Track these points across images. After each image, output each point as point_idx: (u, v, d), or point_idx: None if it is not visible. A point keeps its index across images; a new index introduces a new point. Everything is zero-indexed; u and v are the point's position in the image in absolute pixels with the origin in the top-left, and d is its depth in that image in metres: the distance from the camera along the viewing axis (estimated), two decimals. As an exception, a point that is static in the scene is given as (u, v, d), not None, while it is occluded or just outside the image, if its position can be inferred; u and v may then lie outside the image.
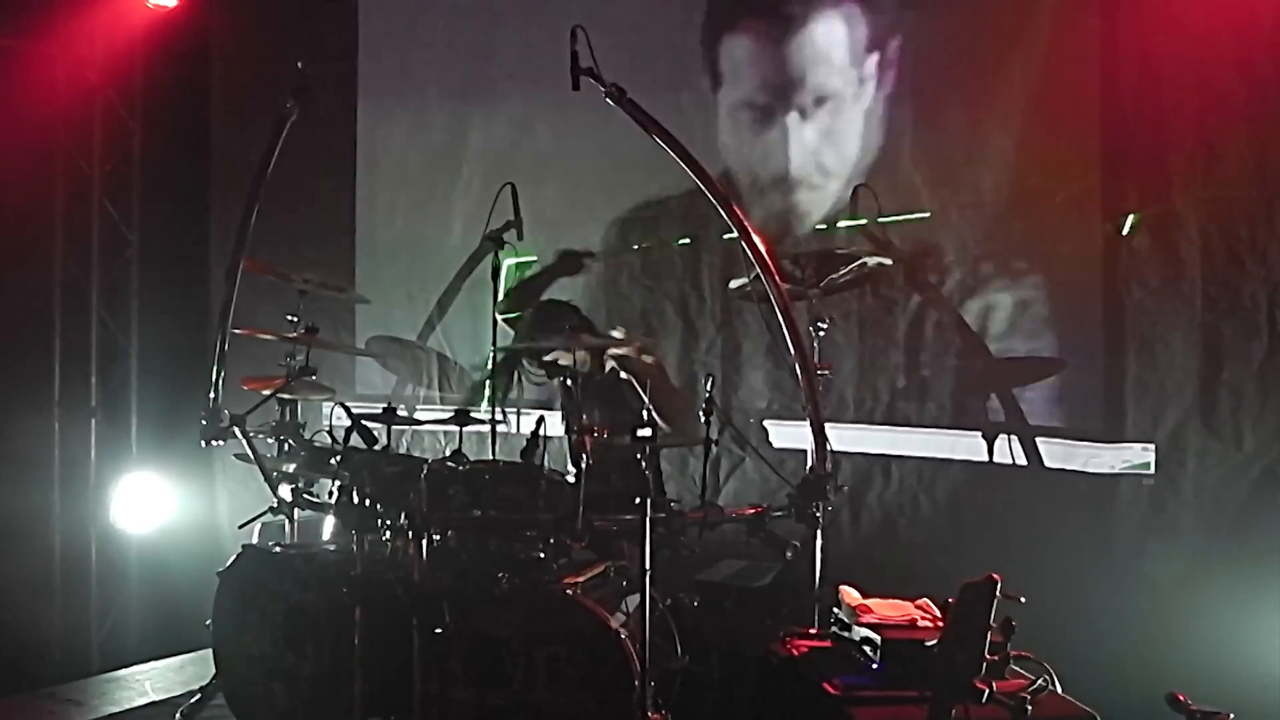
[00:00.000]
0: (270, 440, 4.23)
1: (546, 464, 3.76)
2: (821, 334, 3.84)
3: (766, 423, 5.20)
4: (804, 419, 3.67)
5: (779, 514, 3.67)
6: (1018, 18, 4.78)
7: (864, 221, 4.98)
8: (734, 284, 4.25)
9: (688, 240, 5.30)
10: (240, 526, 4.35)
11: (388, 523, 3.40)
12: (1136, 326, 4.53)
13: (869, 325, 5.04)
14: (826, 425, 3.67)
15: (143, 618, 5.90)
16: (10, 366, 5.65)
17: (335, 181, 6.06)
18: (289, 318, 4.35)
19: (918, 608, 3.00)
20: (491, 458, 4.27)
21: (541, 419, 4.16)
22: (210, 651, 3.93)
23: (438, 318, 5.89)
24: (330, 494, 3.65)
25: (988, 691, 2.36)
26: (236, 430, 4.16)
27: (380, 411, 3.70)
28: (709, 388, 3.76)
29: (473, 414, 3.73)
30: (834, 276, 3.95)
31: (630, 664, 3.22)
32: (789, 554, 3.61)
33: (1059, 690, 2.64)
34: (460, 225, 5.84)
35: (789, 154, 5.18)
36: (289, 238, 5.86)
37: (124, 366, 6.03)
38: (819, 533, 3.57)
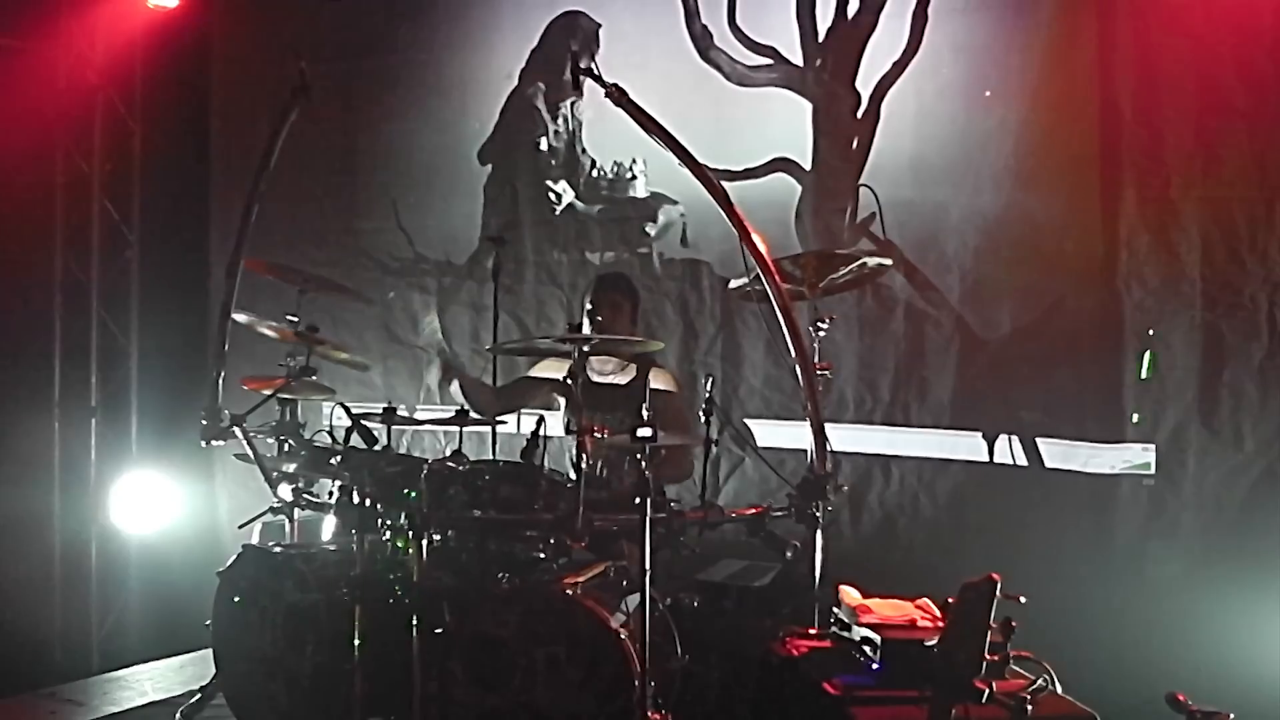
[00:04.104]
0: (270, 440, 4.23)
1: (546, 464, 3.76)
2: (821, 334, 3.84)
3: (766, 423, 5.20)
4: (804, 419, 3.67)
5: (779, 514, 3.66)
6: (1017, 18, 4.78)
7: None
8: (734, 284, 4.25)
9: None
10: (240, 526, 4.35)
11: (388, 523, 3.40)
12: (1136, 326, 4.53)
13: (869, 325, 5.05)
14: (826, 425, 3.67)
15: (143, 618, 5.90)
16: (10, 366, 5.64)
17: (335, 181, 6.06)
18: (289, 318, 4.35)
19: (918, 608, 2.99)
20: (491, 458, 4.27)
21: (541, 419, 4.17)
22: (210, 651, 3.93)
23: (439, 317, 5.90)
24: (330, 494, 3.65)
25: (988, 691, 2.36)
26: (236, 430, 4.15)
27: (380, 411, 3.70)
28: (709, 388, 3.75)
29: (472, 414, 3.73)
30: (834, 276, 3.94)
31: (630, 664, 3.22)
32: (789, 554, 3.60)
33: (1059, 690, 2.64)
34: (461, 225, 5.85)
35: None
36: (289, 237, 5.87)
37: (124, 366, 6.02)
38: (819, 533, 3.56)
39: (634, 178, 5.56)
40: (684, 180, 3.90)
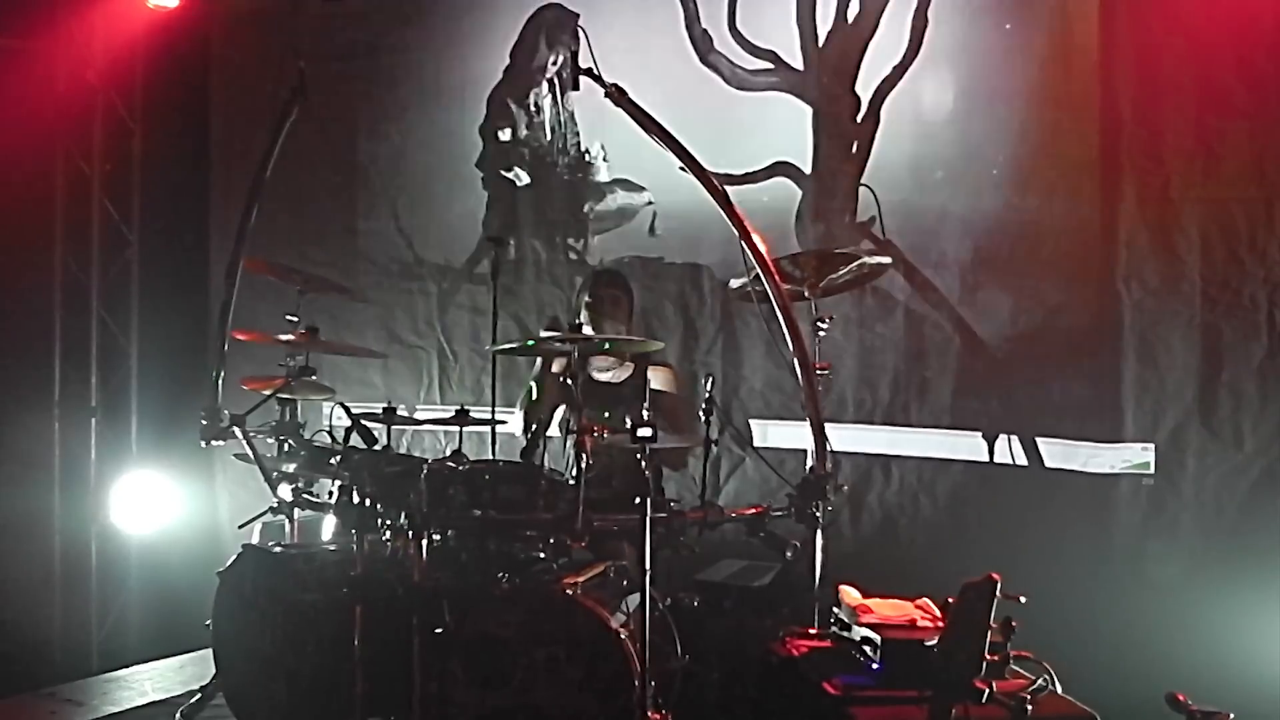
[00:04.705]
0: (270, 440, 4.23)
1: (546, 464, 3.76)
2: (821, 334, 3.84)
3: (767, 423, 5.20)
4: (804, 419, 3.67)
5: (779, 514, 3.66)
6: (1017, 18, 4.78)
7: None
8: (734, 284, 4.25)
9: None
10: (240, 526, 4.35)
11: (388, 523, 3.40)
12: (1136, 326, 4.53)
13: (869, 325, 5.05)
14: (826, 425, 3.67)
15: (143, 618, 5.90)
16: (10, 366, 5.65)
17: (335, 181, 6.06)
18: (289, 318, 4.35)
19: (918, 608, 3.00)
20: (491, 457, 4.27)
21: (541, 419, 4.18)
22: (210, 651, 3.93)
23: (438, 317, 5.90)
24: (330, 494, 3.65)
25: (988, 691, 2.37)
26: (236, 430, 4.16)
27: (380, 411, 3.71)
28: (709, 388, 3.76)
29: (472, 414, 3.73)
30: (834, 276, 3.95)
31: (630, 664, 3.22)
32: (789, 554, 3.61)
33: (1059, 690, 2.64)
34: (461, 226, 5.85)
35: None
36: (289, 238, 5.87)
37: (124, 366, 6.02)
38: (819, 533, 3.56)
39: (591, 162, 5.60)
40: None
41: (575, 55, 3.77)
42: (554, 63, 5.66)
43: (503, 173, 5.77)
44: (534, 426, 4.03)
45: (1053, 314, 4.72)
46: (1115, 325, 4.57)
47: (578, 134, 5.66)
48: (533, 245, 5.72)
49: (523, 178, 5.75)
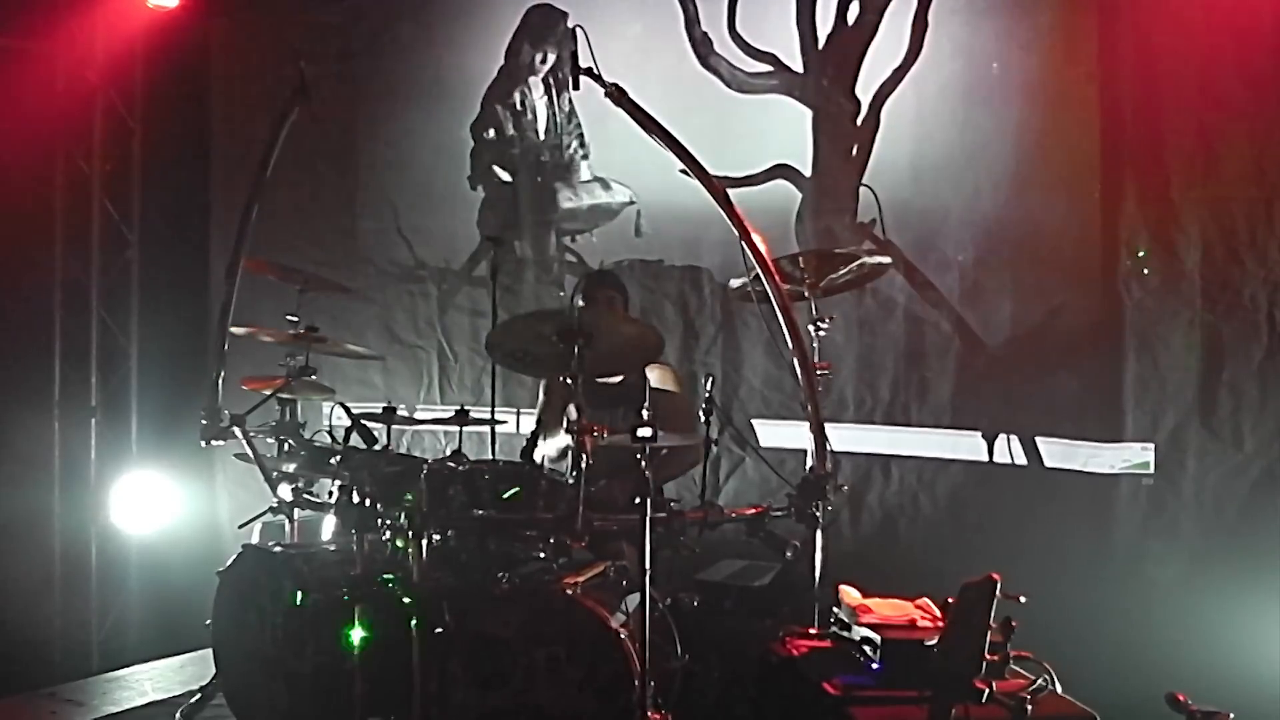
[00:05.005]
0: (270, 440, 4.23)
1: (546, 464, 3.75)
2: (821, 334, 3.84)
3: (767, 423, 5.21)
4: (804, 419, 3.67)
5: (779, 514, 3.66)
6: (1017, 18, 4.79)
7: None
8: (734, 284, 4.25)
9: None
10: (240, 526, 4.35)
11: (388, 523, 3.40)
12: (1136, 326, 4.54)
13: (869, 325, 5.06)
14: (826, 425, 3.67)
15: (143, 618, 5.89)
16: (10, 366, 5.64)
17: (336, 180, 6.06)
18: (289, 318, 4.35)
19: (918, 608, 3.00)
20: (491, 457, 4.27)
21: (541, 419, 4.18)
22: (210, 651, 3.93)
23: (438, 318, 5.91)
24: (330, 494, 3.65)
25: (988, 691, 2.37)
26: (236, 430, 4.16)
27: (380, 411, 3.70)
28: (709, 388, 3.75)
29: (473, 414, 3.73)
30: (834, 276, 3.95)
31: (630, 664, 3.22)
32: (789, 554, 3.60)
33: (1059, 690, 2.64)
34: (460, 226, 5.86)
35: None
36: (289, 237, 5.87)
37: (124, 366, 6.02)
38: (819, 533, 3.56)
39: (571, 159, 5.60)
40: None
41: (575, 55, 3.76)
42: (542, 62, 5.67)
43: (485, 172, 5.78)
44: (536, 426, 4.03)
45: (1053, 314, 4.73)
46: (1115, 325, 4.57)
47: (579, 134, 5.66)
48: (531, 245, 5.72)
49: (503, 176, 5.76)
